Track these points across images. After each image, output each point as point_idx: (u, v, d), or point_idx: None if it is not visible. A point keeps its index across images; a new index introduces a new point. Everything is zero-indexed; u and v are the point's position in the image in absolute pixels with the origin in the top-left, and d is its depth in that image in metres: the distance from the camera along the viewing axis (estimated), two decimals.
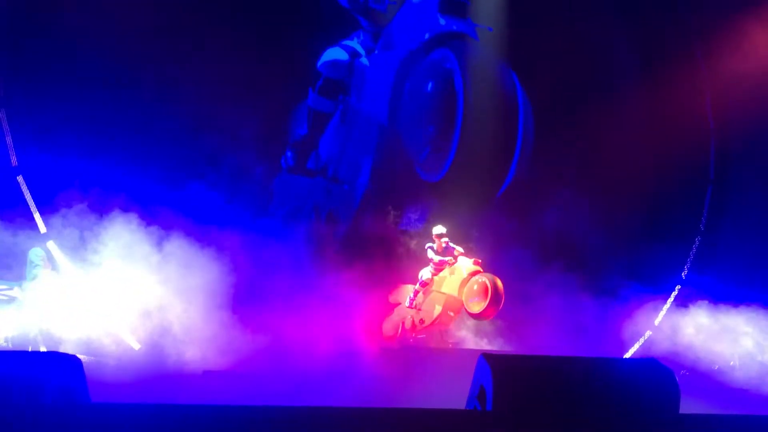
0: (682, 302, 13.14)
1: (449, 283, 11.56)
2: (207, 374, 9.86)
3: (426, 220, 13.41)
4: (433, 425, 4.47)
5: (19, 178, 11.66)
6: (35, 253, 10.64)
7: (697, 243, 13.93)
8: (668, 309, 13.32)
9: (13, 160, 11.67)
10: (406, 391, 9.60)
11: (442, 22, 13.88)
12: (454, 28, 13.88)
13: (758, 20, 13.13)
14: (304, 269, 12.00)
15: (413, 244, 13.14)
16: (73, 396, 4.57)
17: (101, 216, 10.79)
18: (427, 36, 14.03)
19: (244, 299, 11.05)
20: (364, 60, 14.08)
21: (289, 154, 13.96)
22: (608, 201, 13.86)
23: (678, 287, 13.59)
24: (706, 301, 12.59)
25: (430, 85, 14.18)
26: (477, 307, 11.10)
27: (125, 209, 10.87)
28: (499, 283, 11.00)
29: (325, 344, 10.62)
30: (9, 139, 11.67)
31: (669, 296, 13.51)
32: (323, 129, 14.07)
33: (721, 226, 14.02)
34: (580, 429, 4.40)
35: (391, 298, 12.47)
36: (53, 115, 11.79)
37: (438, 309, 11.61)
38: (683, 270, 13.82)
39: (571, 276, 12.98)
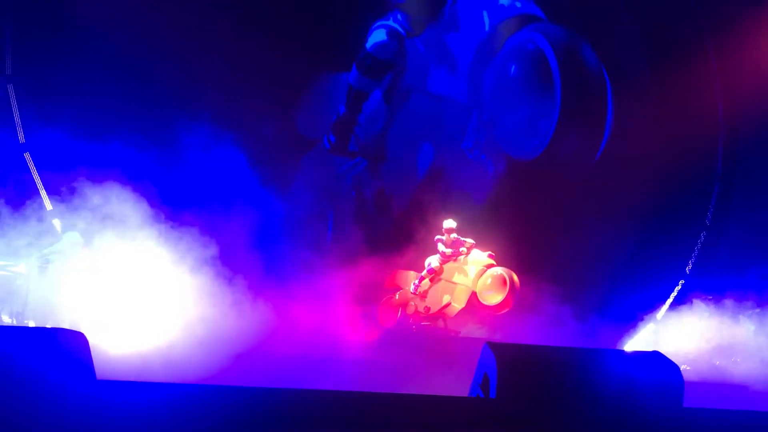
0: (685, 297, 13.11)
1: (461, 274, 11.65)
2: (215, 354, 9.82)
3: (489, 199, 13.44)
4: (435, 411, 4.48)
5: (26, 155, 11.66)
6: (70, 237, 10.58)
7: (702, 238, 13.86)
8: (671, 303, 13.29)
9: (21, 137, 11.67)
10: (409, 378, 9.61)
11: (504, 2, 13.87)
12: (519, 6, 13.91)
13: None
14: (344, 246, 12.04)
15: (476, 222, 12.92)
16: (78, 373, 4.58)
17: (110, 195, 10.73)
18: (487, 17, 13.97)
19: (263, 277, 11.04)
20: (417, 43, 14.03)
21: (331, 134, 13.93)
22: (613, 193, 13.81)
23: (682, 282, 13.56)
24: (710, 297, 12.57)
25: (513, 68, 14.18)
26: (493, 299, 11.33)
27: (135, 188, 10.78)
28: (515, 276, 11.21)
29: (354, 326, 10.74)
30: (17, 116, 11.65)
31: (672, 290, 13.49)
32: (362, 108, 14.04)
33: (727, 222, 13.95)
34: (583, 419, 4.42)
35: (389, 283, 12.50)
36: (62, 92, 11.74)
37: (447, 298, 11.70)
38: (687, 265, 13.77)
39: (573, 267, 12.95)
